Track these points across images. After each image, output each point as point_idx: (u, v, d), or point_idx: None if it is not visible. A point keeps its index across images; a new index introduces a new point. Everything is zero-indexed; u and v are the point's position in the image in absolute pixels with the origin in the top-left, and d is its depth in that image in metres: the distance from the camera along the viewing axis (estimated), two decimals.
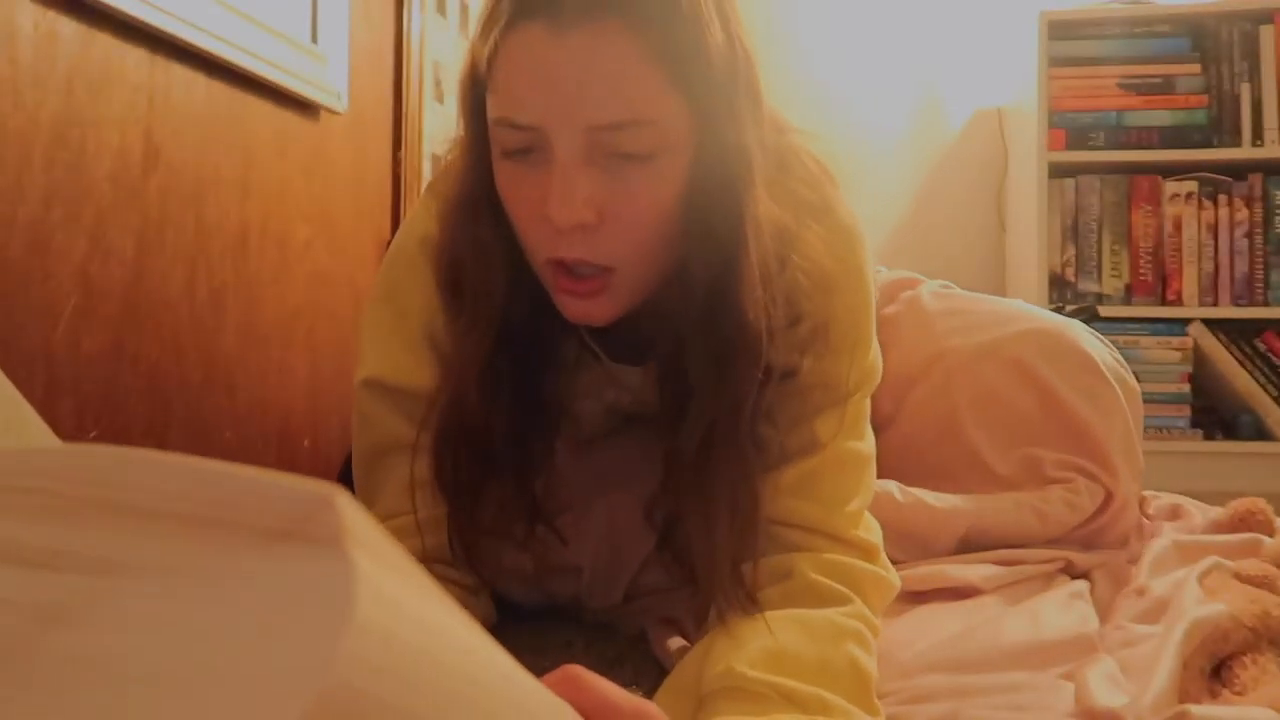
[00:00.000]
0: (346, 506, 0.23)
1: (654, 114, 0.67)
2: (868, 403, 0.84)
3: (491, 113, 0.70)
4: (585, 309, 0.73)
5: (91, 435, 0.95)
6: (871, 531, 0.82)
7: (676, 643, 0.87)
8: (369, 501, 0.85)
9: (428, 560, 0.79)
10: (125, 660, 0.22)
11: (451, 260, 0.77)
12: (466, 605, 0.79)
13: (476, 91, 0.71)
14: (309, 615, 0.21)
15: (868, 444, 0.83)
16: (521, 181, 0.70)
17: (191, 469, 0.24)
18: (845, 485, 0.79)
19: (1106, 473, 1.16)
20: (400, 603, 0.23)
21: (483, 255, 0.74)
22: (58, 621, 0.23)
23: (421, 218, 0.83)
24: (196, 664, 0.21)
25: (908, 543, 1.09)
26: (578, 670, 0.43)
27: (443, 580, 0.79)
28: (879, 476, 0.90)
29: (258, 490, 0.23)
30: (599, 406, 0.86)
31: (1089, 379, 1.19)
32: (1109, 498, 1.16)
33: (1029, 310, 1.32)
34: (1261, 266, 2.37)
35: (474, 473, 0.76)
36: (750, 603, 0.72)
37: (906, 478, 1.18)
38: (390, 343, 0.84)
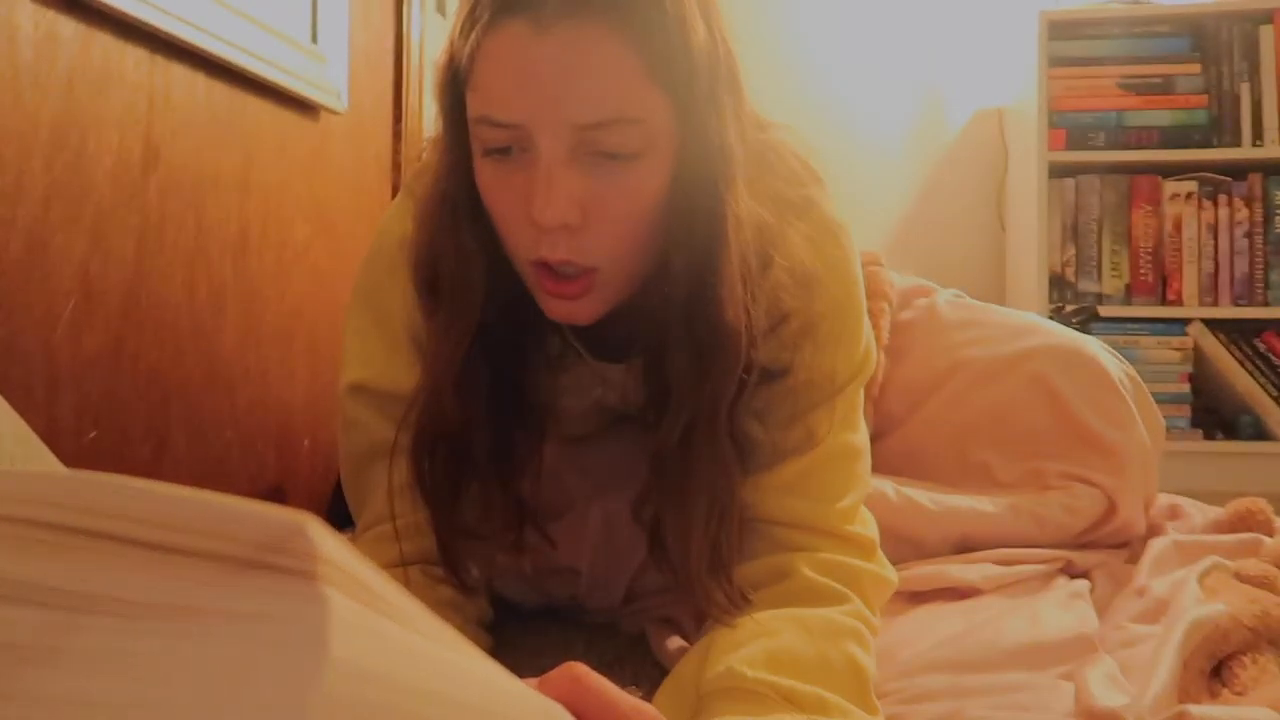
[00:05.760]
0: (319, 535, 0.22)
1: (638, 112, 0.66)
2: (860, 393, 0.83)
3: (472, 111, 0.69)
4: (569, 309, 0.72)
5: (91, 435, 0.95)
6: (868, 526, 0.82)
7: (676, 643, 0.87)
8: (358, 507, 0.85)
9: (420, 563, 0.79)
10: (96, 703, 0.21)
11: (428, 260, 0.76)
12: (460, 606, 0.79)
13: (455, 90, 0.71)
14: (282, 657, 0.21)
15: (861, 435, 0.83)
16: (504, 181, 0.69)
17: (162, 495, 0.23)
18: (839, 479, 0.79)
19: (1114, 484, 1.16)
20: (375, 633, 0.23)
21: (461, 255, 0.73)
22: (27, 660, 0.22)
23: (399, 218, 0.82)
24: (167, 708, 0.21)
25: (901, 543, 1.09)
26: (580, 669, 0.43)
27: (436, 581, 0.78)
28: (879, 475, 0.90)
29: (228, 518, 0.22)
30: (585, 404, 0.85)
31: (1105, 395, 1.19)
32: (1112, 508, 1.16)
33: (1044, 324, 1.32)
34: (1261, 266, 2.37)
35: (453, 474, 0.75)
36: (733, 604, 0.71)
37: (908, 479, 1.18)
38: (373, 346, 0.83)
